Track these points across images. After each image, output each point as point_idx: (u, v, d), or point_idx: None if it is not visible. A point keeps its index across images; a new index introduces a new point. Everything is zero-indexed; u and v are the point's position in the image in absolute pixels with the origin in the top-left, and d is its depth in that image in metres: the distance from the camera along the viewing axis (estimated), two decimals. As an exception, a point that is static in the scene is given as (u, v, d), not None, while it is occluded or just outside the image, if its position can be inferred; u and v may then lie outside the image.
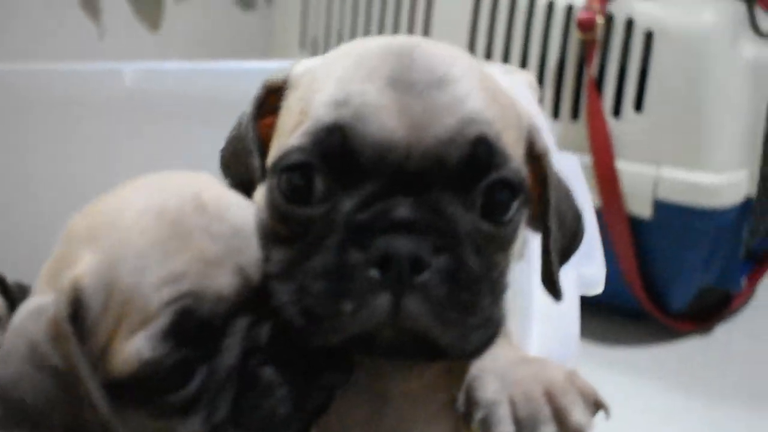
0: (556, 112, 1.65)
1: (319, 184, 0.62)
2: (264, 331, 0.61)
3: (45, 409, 0.59)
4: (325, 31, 1.95)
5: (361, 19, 1.88)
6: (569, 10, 1.62)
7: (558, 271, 0.69)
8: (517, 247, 0.67)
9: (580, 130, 1.61)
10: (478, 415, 0.62)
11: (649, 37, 1.56)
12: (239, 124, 0.74)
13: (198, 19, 2.20)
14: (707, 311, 1.71)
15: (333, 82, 0.64)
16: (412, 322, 0.58)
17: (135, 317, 0.59)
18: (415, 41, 0.67)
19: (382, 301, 0.58)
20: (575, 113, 1.64)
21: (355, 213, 0.60)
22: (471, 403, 0.64)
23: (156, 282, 0.59)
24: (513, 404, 0.62)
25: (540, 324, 0.74)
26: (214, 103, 1.36)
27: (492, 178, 0.62)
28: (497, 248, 0.64)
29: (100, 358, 0.60)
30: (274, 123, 0.70)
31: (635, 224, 1.58)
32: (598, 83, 1.60)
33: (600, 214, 1.53)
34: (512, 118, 0.68)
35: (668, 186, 1.54)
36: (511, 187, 0.63)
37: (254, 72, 1.36)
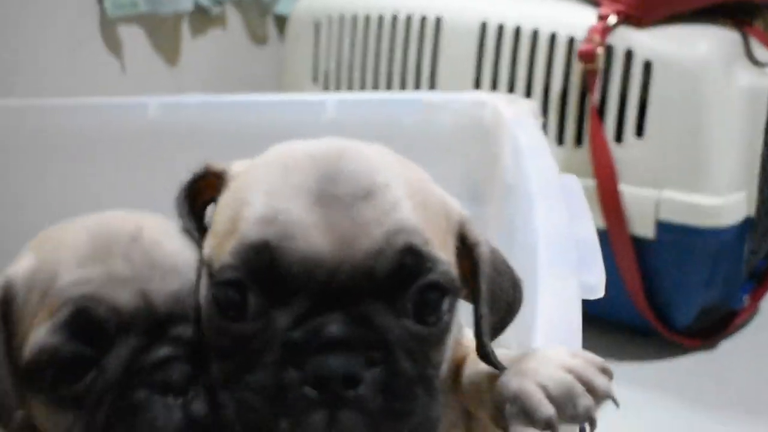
0: (560, 139, 1.71)
1: (251, 301, 0.63)
2: (153, 357, 0.67)
3: None
4: (336, 65, 2.02)
5: (371, 53, 1.95)
6: (571, 41, 1.69)
7: (489, 346, 0.71)
8: (452, 336, 0.70)
9: (583, 155, 1.67)
10: (513, 410, 0.65)
11: (648, 66, 1.63)
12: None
13: (213, 54, 2.28)
14: (711, 327, 1.76)
15: (260, 196, 0.65)
16: None
17: (46, 311, 0.69)
18: (341, 147, 0.68)
19: (319, 417, 0.60)
20: (579, 139, 1.70)
21: (289, 331, 0.62)
22: (503, 406, 0.66)
23: (66, 283, 0.69)
24: (544, 388, 0.64)
25: (543, 333, 0.79)
26: (233, 135, 1.43)
27: (421, 283, 0.64)
28: (431, 346, 0.67)
29: (20, 348, 0.70)
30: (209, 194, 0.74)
31: (639, 244, 1.64)
32: (600, 110, 1.66)
33: (604, 235, 1.59)
34: (440, 218, 0.70)
35: (670, 207, 1.60)
36: (441, 289, 0.65)
37: (272, 105, 1.44)
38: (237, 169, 0.73)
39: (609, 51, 1.66)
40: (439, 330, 0.67)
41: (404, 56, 1.90)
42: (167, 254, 0.72)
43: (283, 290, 0.62)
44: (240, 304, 0.63)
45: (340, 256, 0.62)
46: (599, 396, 0.64)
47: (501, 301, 0.73)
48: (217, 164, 0.74)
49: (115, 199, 1.46)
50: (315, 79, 2.07)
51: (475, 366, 0.74)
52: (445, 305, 0.66)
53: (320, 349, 0.61)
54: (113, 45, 2.04)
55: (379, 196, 0.64)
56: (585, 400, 0.64)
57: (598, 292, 0.84)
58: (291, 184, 0.65)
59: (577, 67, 1.68)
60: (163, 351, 0.67)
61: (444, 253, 0.67)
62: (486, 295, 0.70)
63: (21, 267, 0.72)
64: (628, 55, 1.65)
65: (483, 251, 0.71)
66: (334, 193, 0.64)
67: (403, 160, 0.73)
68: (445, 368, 0.70)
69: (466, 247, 0.72)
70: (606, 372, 0.66)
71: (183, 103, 1.45)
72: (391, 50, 1.91)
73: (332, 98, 1.41)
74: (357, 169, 0.65)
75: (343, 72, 2.01)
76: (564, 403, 0.64)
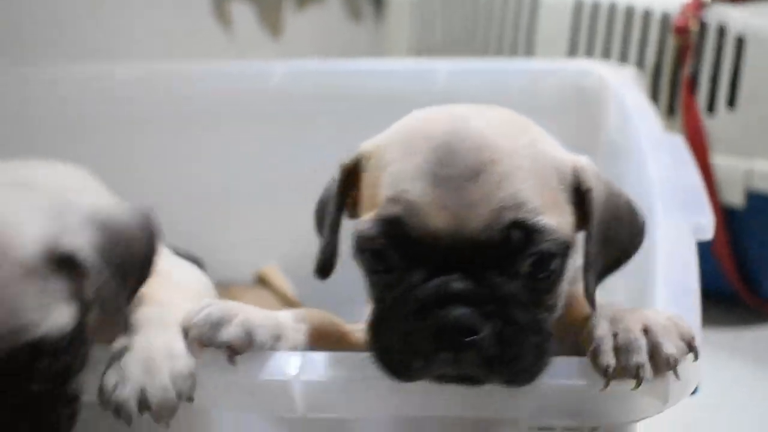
0: (652, 110, 1.79)
1: (391, 260, 0.77)
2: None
3: None
4: (433, 40, 2.11)
5: (468, 27, 2.04)
6: (665, 17, 1.77)
7: (594, 287, 0.81)
8: (566, 280, 0.80)
9: (675, 126, 1.75)
10: (591, 347, 0.76)
11: (740, 41, 1.69)
12: (327, 191, 0.89)
13: (314, 27, 2.39)
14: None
15: (388, 177, 0.78)
16: (470, 373, 0.74)
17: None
18: (455, 127, 0.78)
19: (445, 357, 0.73)
20: (671, 110, 1.78)
21: (421, 287, 0.74)
22: (589, 341, 0.77)
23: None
24: (615, 337, 0.75)
25: (662, 271, 0.88)
26: (351, 100, 1.53)
27: (530, 251, 0.75)
28: (543, 294, 0.78)
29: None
30: (357, 195, 0.85)
31: (728, 213, 1.70)
32: (693, 83, 1.74)
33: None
34: (551, 178, 0.79)
35: (760, 176, 1.66)
36: (551, 254, 0.76)
37: (389, 72, 1.54)
38: (368, 149, 0.84)
39: (702, 26, 1.73)
40: (550, 281, 0.78)
41: (501, 28, 1.98)
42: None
43: (414, 254, 0.75)
44: (382, 262, 0.78)
45: (454, 231, 0.74)
46: (661, 359, 0.73)
47: (614, 244, 0.82)
48: (348, 160, 0.86)
49: (242, 161, 1.58)
50: (413, 51, 2.17)
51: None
52: (556, 263, 0.77)
53: (444, 303, 0.73)
54: (222, 16, 2.17)
55: (485, 175, 0.75)
56: (638, 358, 0.73)
57: (708, 233, 0.94)
58: (411, 166, 0.77)
59: (671, 42, 1.76)
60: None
61: (554, 215, 0.77)
62: (597, 238, 0.80)
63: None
64: (721, 31, 1.71)
65: (596, 196, 0.80)
66: (448, 174, 0.75)
67: (515, 122, 0.83)
68: (560, 308, 0.81)
69: (581, 193, 0.81)
70: (690, 347, 0.75)
71: (305, 69, 1.56)
72: (488, 22, 2.00)
73: (443, 66, 1.51)
74: (467, 150, 0.76)
75: (439, 46, 2.10)
76: (622, 355, 0.74)
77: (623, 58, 1.82)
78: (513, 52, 1.97)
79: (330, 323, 0.92)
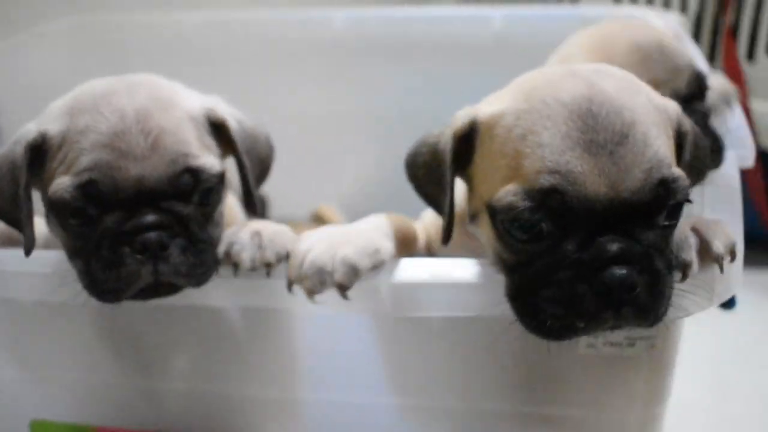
0: (694, 57, 1.85)
1: (544, 230, 0.80)
2: (138, 222, 0.89)
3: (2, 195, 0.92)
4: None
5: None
6: (709, -34, 1.83)
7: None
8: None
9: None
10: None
11: (782, -12, 1.75)
12: (434, 146, 0.89)
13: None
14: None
15: (537, 149, 0.79)
16: (624, 324, 0.80)
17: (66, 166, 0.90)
18: (586, 93, 0.81)
19: (607, 315, 0.78)
20: (712, 57, 1.85)
21: (577, 253, 0.78)
22: None
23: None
24: (674, 237, 0.84)
25: (709, 191, 0.98)
26: (406, 46, 1.61)
27: (670, 204, 0.80)
28: (670, 239, 0.83)
29: (47, 182, 0.91)
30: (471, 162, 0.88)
31: (766, 157, 1.78)
32: (734, 31, 1.81)
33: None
34: (667, 126, 0.84)
35: (798, 122, 1.74)
36: (682, 201, 0.81)
37: (445, 18, 1.62)
38: (484, 117, 0.86)
39: (745, -25, 1.79)
40: (677, 223, 0.84)
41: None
42: (172, 141, 0.91)
43: (568, 222, 0.79)
44: (533, 231, 0.81)
45: (610, 195, 0.78)
46: (711, 255, 0.84)
47: (699, 166, 0.91)
48: (459, 126, 0.87)
49: (305, 105, 1.67)
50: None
51: None
52: (682, 208, 0.83)
53: (604, 265, 0.78)
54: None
55: (631, 137, 0.79)
56: (685, 255, 0.84)
57: (750, 161, 1.04)
58: (560, 136, 0.79)
59: (714, -10, 1.82)
60: (148, 218, 0.88)
61: (674, 159, 0.82)
62: (688, 164, 0.88)
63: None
64: (763, -20, 1.78)
65: (690, 136, 0.88)
66: (597, 141, 0.78)
67: (628, 78, 0.87)
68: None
69: (680, 134, 0.87)
70: (729, 243, 0.84)
71: (363, 16, 1.64)
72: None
73: (497, 13, 1.58)
74: (608, 114, 0.79)
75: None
76: (677, 248, 0.84)
77: (667, 4, 1.89)
78: (560, -1, 2.04)
79: (406, 227, 0.99)
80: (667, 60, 1.03)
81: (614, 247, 0.78)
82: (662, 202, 0.80)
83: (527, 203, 0.79)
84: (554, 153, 0.79)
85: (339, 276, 0.85)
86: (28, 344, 1.07)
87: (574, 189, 0.78)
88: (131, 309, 0.94)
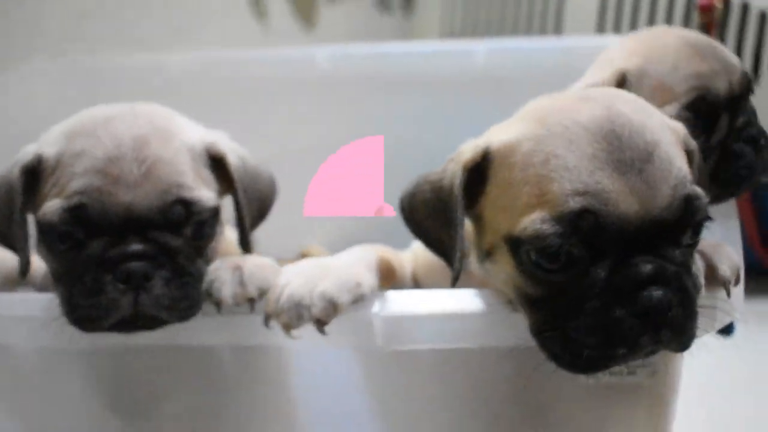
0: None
1: (575, 254, 0.78)
2: (122, 250, 0.86)
3: None
4: (463, 24, 2.19)
5: (496, 5, 2.11)
6: (690, -5, 1.84)
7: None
8: None
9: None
10: None
11: (763, 17, 1.76)
12: (438, 183, 0.87)
13: (346, 19, 2.48)
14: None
15: (564, 172, 0.78)
16: (665, 346, 0.78)
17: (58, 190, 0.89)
18: (606, 115, 0.80)
19: (646, 339, 0.76)
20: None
21: (610, 278, 0.77)
22: None
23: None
24: None
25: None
26: (397, 83, 1.60)
27: (695, 221, 0.79)
28: (693, 252, 0.82)
29: (39, 204, 0.90)
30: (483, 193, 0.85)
31: (755, 191, 1.77)
32: (717, 59, 1.80)
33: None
34: (680, 144, 0.84)
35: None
36: (706, 218, 0.81)
37: (431, 54, 1.60)
38: (497, 145, 0.84)
39: (726, 3, 1.80)
40: (698, 241, 0.83)
41: (529, 11, 2.06)
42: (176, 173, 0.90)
43: (600, 244, 0.77)
44: (559, 260, 0.78)
45: (641, 213, 0.77)
46: (718, 277, 0.84)
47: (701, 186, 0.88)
48: (469, 156, 0.85)
49: (288, 141, 1.65)
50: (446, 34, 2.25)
51: None
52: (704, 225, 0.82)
53: (639, 287, 0.76)
54: (258, 11, 2.26)
55: (656, 155, 0.78)
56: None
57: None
58: (587, 158, 0.78)
59: (696, 19, 1.82)
60: (134, 247, 0.86)
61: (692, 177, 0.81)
62: (697, 180, 0.85)
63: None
64: (744, 7, 1.78)
65: (696, 156, 0.88)
66: (624, 160, 0.77)
67: (638, 99, 0.86)
68: None
69: (687, 153, 0.86)
70: (734, 266, 0.85)
71: (348, 53, 1.63)
72: (516, 7, 2.08)
73: (480, 47, 1.58)
74: (631, 134, 0.79)
75: (468, 30, 2.18)
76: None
77: (650, 36, 1.89)
78: (542, 31, 2.05)
79: (387, 259, 0.97)
80: (719, 54, 1.04)
81: (648, 267, 0.76)
82: (688, 219, 0.79)
83: (557, 228, 0.77)
84: (583, 174, 0.77)
85: (316, 311, 0.83)
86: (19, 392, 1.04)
87: (606, 209, 0.76)
88: (125, 350, 0.92)
